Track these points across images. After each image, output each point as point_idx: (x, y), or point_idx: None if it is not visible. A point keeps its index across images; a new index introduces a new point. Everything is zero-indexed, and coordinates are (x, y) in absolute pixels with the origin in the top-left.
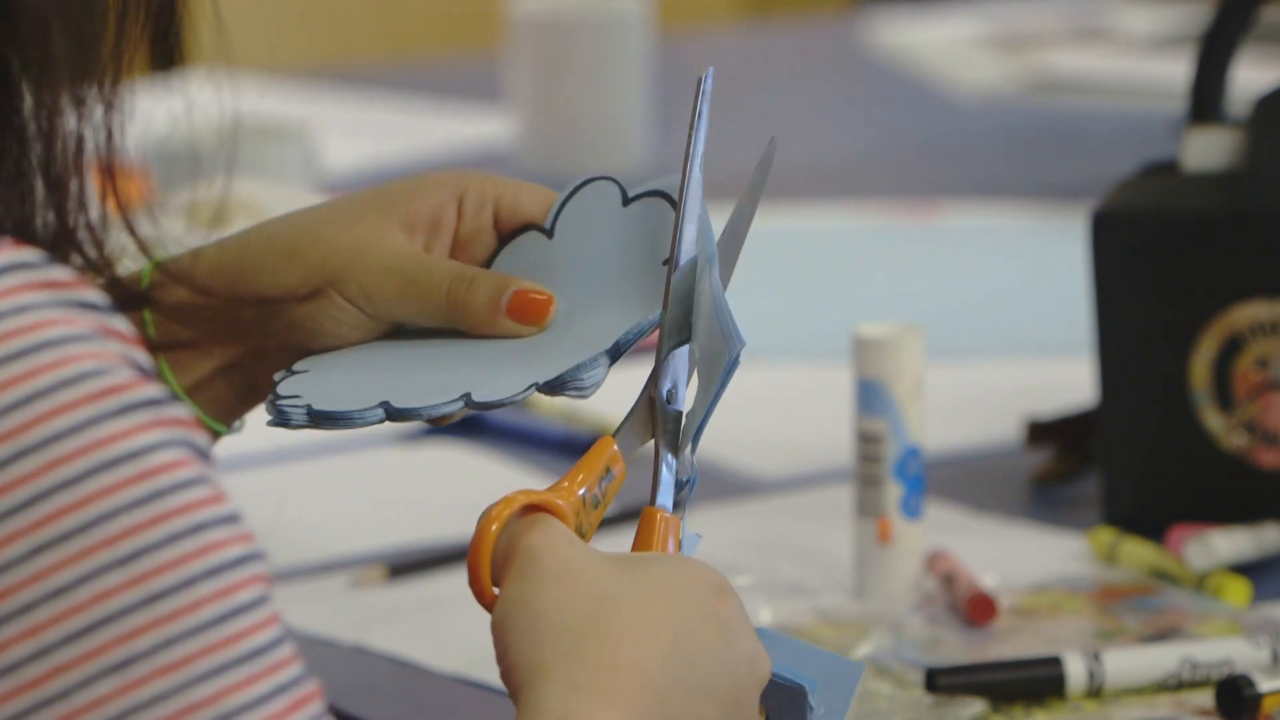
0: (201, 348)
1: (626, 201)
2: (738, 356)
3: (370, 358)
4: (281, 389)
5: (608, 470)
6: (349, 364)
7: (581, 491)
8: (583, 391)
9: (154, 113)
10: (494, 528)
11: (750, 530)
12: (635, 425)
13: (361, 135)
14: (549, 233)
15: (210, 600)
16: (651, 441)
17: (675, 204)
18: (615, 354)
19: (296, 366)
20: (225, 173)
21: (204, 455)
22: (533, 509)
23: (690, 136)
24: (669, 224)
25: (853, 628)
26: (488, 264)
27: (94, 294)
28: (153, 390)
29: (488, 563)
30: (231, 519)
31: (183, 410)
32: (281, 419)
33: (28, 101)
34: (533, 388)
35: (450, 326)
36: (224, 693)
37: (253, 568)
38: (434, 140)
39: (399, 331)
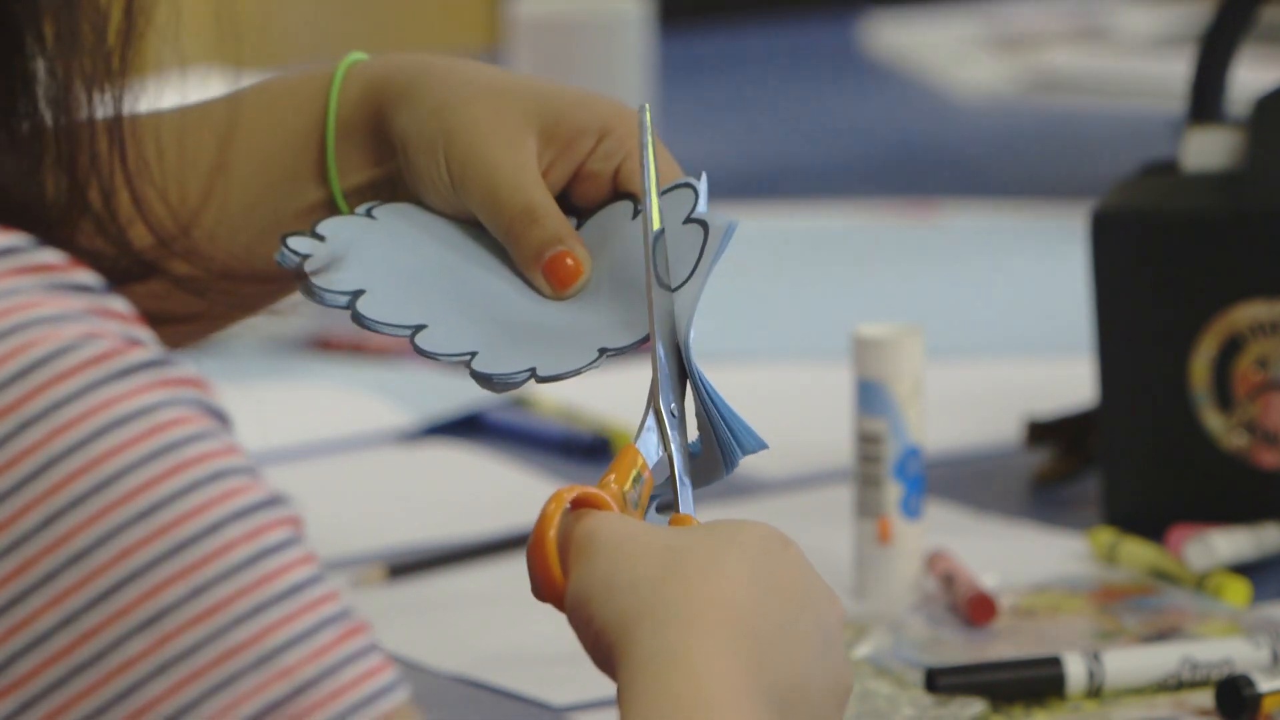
0: (211, 319)
1: (686, 220)
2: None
3: (418, 277)
4: (323, 281)
5: (639, 475)
6: (396, 273)
7: (625, 487)
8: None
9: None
10: (552, 534)
11: None
12: (649, 436)
13: None
14: (635, 213)
15: (240, 542)
16: (664, 454)
17: (707, 228)
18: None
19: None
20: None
21: (217, 413)
22: (582, 503)
23: (643, 173)
24: (706, 248)
25: (853, 628)
26: (581, 216)
27: (87, 276)
28: (151, 353)
29: (555, 555)
30: (250, 470)
31: (189, 369)
32: (320, 296)
33: (40, 70)
34: (529, 373)
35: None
36: (265, 632)
37: (279, 510)
38: None
39: (457, 245)
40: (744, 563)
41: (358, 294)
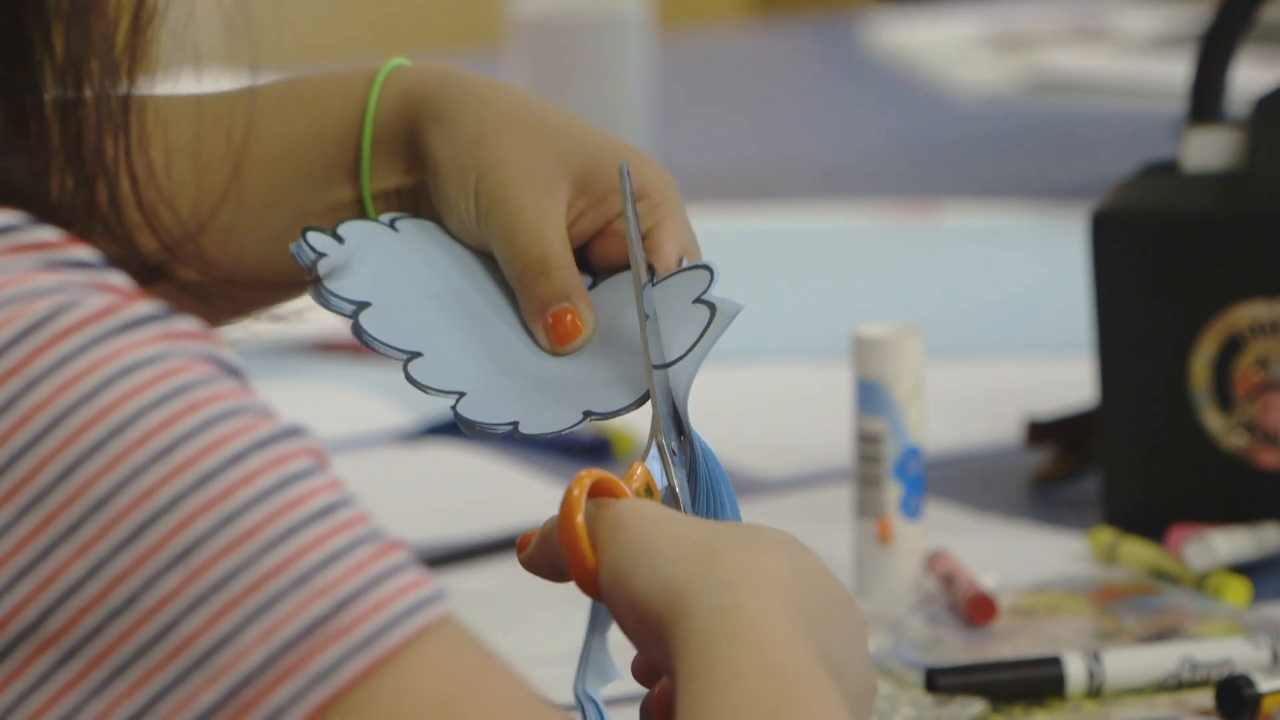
0: (214, 322)
1: (696, 299)
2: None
3: (425, 300)
4: (333, 285)
5: (648, 488)
6: (406, 292)
7: (634, 487)
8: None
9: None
10: (580, 519)
11: None
12: (653, 465)
13: None
14: (653, 283)
15: (263, 471)
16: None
17: (713, 312)
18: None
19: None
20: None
21: (224, 364)
22: (599, 490)
23: (628, 225)
24: (709, 329)
25: None
26: (597, 276)
27: (85, 252)
28: (155, 307)
29: (585, 535)
30: (264, 409)
31: (194, 323)
32: (325, 299)
33: (49, 75)
34: (511, 427)
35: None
36: (299, 553)
37: (300, 440)
38: None
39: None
40: (780, 548)
41: (363, 305)
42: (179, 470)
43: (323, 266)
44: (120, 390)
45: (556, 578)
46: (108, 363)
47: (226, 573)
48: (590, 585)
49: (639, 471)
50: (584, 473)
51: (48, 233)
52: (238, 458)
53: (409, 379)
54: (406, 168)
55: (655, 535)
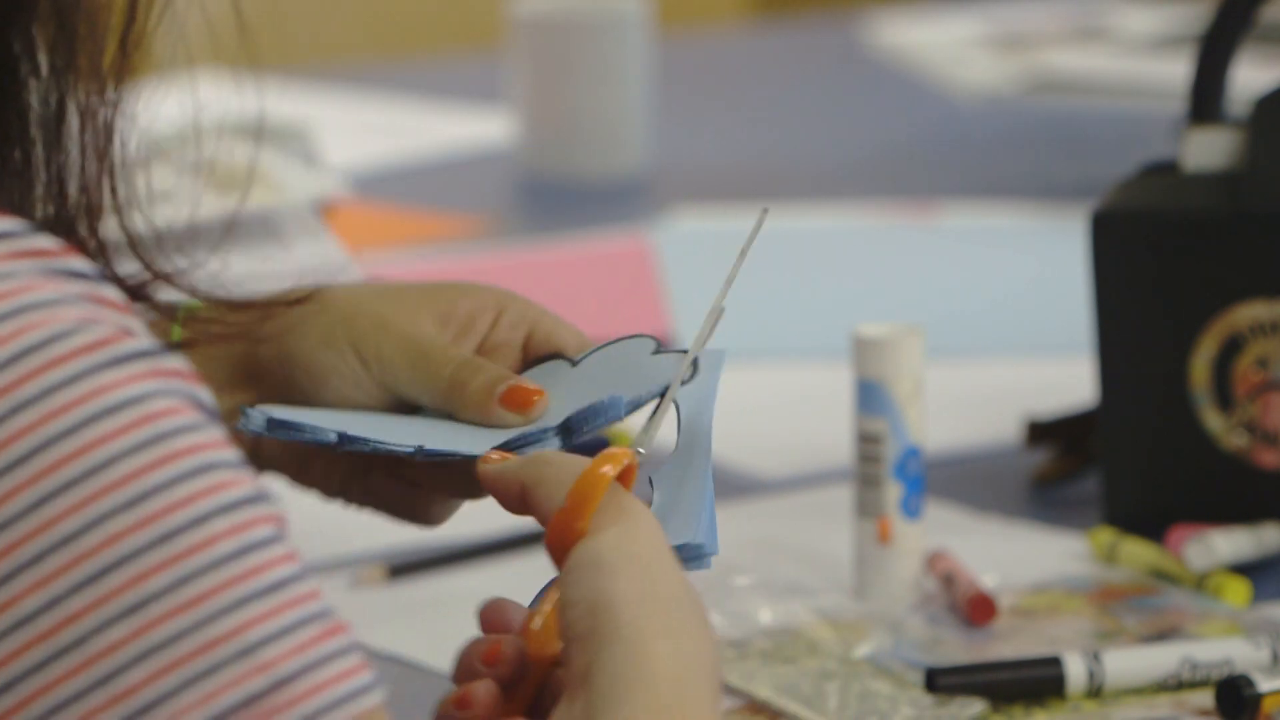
0: (201, 347)
1: (655, 352)
2: (701, 553)
3: (351, 413)
4: (255, 408)
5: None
6: (330, 412)
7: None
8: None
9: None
10: (610, 469)
11: (750, 530)
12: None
13: (362, 135)
14: (574, 363)
15: (224, 536)
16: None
17: (694, 365)
18: (565, 432)
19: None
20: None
21: (205, 408)
22: (627, 474)
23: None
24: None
25: (853, 628)
26: None
27: (81, 262)
28: (145, 342)
29: (597, 501)
30: (237, 464)
31: (180, 362)
32: (243, 421)
33: (33, 97)
34: (483, 445)
35: (448, 409)
36: (246, 625)
37: (265, 507)
38: (434, 140)
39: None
40: (712, 638)
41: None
42: (146, 522)
43: (279, 414)
44: (101, 430)
45: (512, 506)
46: (93, 398)
47: (175, 632)
48: (560, 540)
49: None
50: (623, 450)
51: (45, 240)
52: (202, 519)
53: (346, 444)
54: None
55: (655, 557)
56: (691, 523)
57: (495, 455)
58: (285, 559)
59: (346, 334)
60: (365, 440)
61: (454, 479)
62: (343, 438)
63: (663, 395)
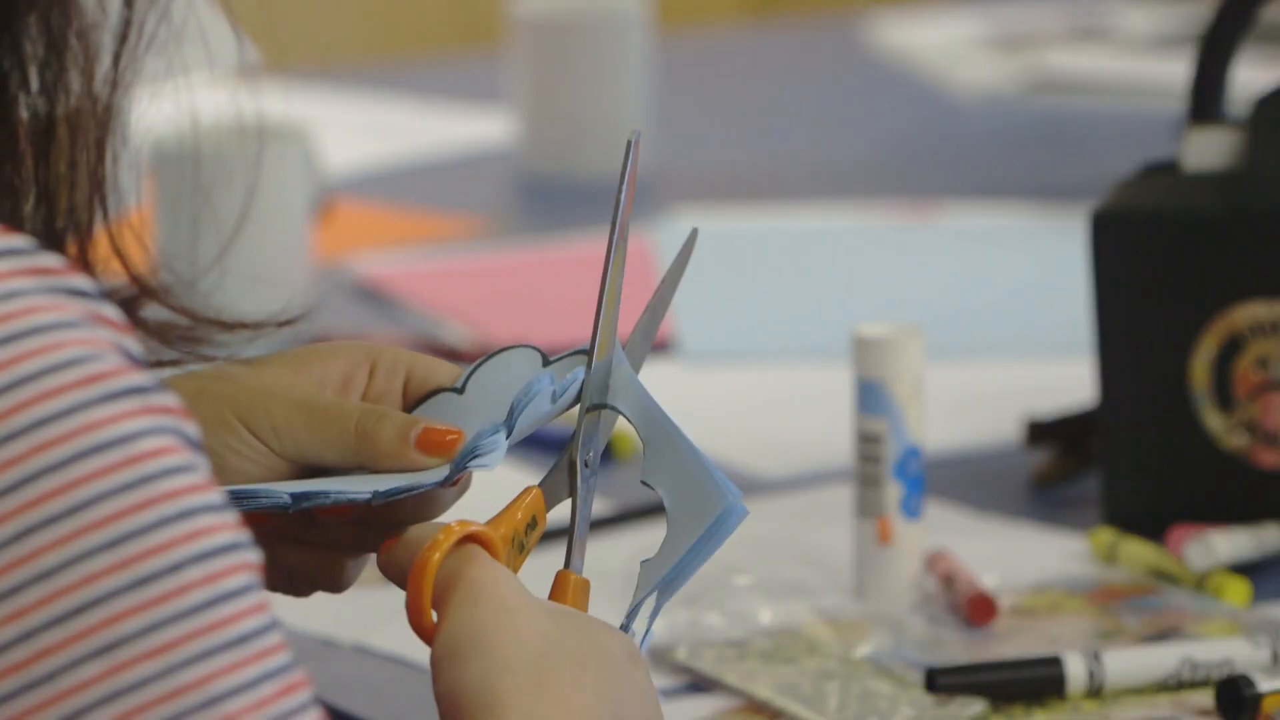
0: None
1: (546, 364)
2: (731, 509)
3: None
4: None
5: (533, 519)
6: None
7: (517, 530)
8: (483, 463)
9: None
10: (437, 556)
11: (750, 530)
12: (556, 483)
13: (361, 135)
14: (460, 390)
15: (198, 585)
16: (568, 500)
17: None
18: (510, 423)
19: None
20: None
21: (193, 444)
22: (470, 540)
23: (616, 205)
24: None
25: (853, 628)
26: None
27: (84, 281)
28: (141, 378)
29: (429, 591)
30: (219, 507)
31: (172, 398)
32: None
33: (22, 110)
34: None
35: (358, 463)
36: (211, 677)
37: (241, 555)
38: (434, 140)
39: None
40: (607, 678)
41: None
42: (123, 565)
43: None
44: (88, 468)
45: (403, 589)
46: (83, 434)
47: (142, 677)
48: (424, 637)
49: (528, 500)
50: (456, 525)
51: (49, 259)
52: (178, 566)
53: (300, 500)
54: None
55: (497, 629)
56: (713, 494)
57: (389, 545)
58: (254, 610)
59: (234, 411)
60: (324, 494)
61: (370, 534)
62: (295, 497)
63: (576, 402)
